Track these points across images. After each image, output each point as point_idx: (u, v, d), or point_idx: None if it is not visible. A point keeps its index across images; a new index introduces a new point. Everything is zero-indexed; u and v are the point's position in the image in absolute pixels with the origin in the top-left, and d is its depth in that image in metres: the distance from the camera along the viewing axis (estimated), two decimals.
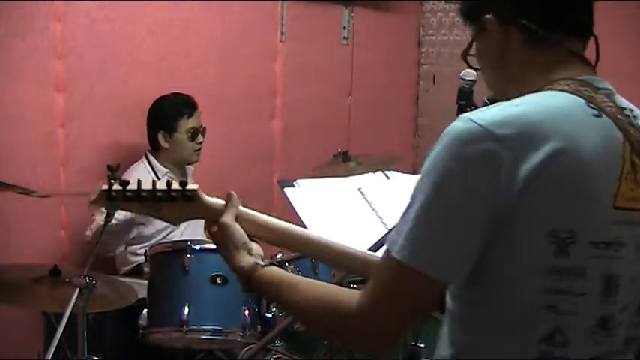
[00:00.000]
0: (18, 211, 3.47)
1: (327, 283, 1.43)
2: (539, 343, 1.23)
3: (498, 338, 1.25)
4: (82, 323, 2.55)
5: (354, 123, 4.68)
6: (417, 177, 1.23)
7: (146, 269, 3.00)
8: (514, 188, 1.17)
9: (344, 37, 4.61)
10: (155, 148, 3.63)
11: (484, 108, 1.26)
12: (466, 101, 2.38)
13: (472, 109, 2.35)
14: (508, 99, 1.28)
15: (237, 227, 1.48)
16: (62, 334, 2.47)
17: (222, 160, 4.14)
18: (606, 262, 1.23)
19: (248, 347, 2.78)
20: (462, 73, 2.38)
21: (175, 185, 1.46)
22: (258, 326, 2.82)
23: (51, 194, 3.26)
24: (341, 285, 1.63)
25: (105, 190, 1.45)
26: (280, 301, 1.51)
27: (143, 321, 2.76)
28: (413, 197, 1.23)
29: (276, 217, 1.54)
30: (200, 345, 2.90)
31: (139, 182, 1.46)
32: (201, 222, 1.88)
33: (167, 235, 3.49)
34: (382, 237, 1.98)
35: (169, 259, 2.81)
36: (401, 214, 1.25)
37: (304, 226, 2.40)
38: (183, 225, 2.50)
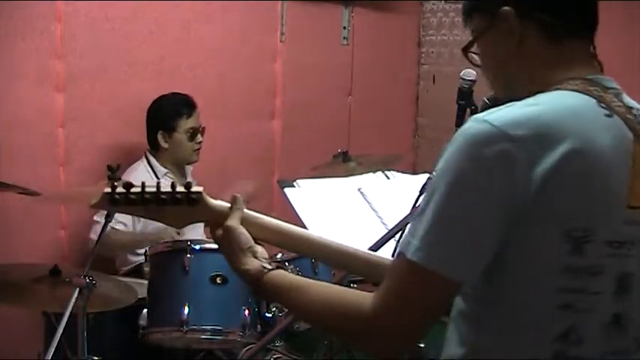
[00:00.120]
0: (18, 211, 3.47)
1: (337, 286, 1.42)
2: (553, 342, 1.23)
3: (512, 338, 1.25)
4: (82, 323, 2.55)
5: (354, 123, 4.68)
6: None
7: (146, 269, 3.01)
8: (529, 188, 1.17)
9: (344, 37, 4.61)
10: (154, 148, 3.64)
11: (496, 108, 1.24)
12: (466, 101, 2.38)
13: (472, 109, 2.36)
14: (512, 99, 1.27)
15: (242, 230, 1.46)
16: (62, 334, 2.47)
17: (223, 160, 4.14)
18: (620, 261, 1.24)
19: (248, 347, 2.78)
20: (462, 73, 2.38)
21: (180, 187, 1.43)
22: (258, 326, 2.82)
23: (54, 198, 3.27)
24: (341, 285, 1.63)
25: (107, 193, 1.41)
26: (290, 305, 1.48)
27: (143, 321, 2.76)
28: (427, 199, 1.22)
29: (276, 218, 1.53)
30: (200, 345, 2.89)
31: (143, 184, 1.42)
32: None
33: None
34: (382, 237, 1.98)
35: (169, 259, 2.81)
36: (415, 215, 1.24)
37: (304, 226, 2.40)
38: None
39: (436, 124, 4.83)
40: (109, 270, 3.31)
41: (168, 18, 3.90)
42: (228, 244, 1.46)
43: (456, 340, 1.31)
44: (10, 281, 2.62)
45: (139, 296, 2.77)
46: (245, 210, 1.49)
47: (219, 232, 1.47)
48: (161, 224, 1.52)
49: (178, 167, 3.70)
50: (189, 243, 2.78)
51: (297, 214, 2.49)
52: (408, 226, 1.25)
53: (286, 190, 2.58)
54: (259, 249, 1.46)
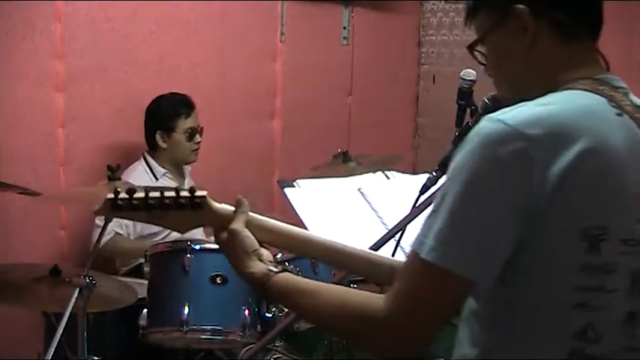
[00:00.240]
0: (18, 211, 3.47)
1: (345, 287, 1.40)
2: (571, 340, 1.23)
3: (528, 337, 1.24)
4: (82, 323, 2.55)
5: (354, 123, 4.68)
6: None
7: (146, 269, 3.00)
8: (545, 188, 1.17)
9: (344, 37, 4.61)
10: (153, 148, 3.64)
11: (509, 108, 1.24)
12: (466, 101, 2.38)
13: (472, 109, 2.36)
14: (520, 99, 1.27)
15: (247, 233, 1.44)
16: (62, 334, 2.47)
17: (223, 160, 4.14)
18: (634, 259, 1.25)
19: (248, 347, 2.78)
20: (462, 73, 2.38)
21: (184, 192, 1.40)
22: (258, 326, 2.82)
23: (54, 198, 3.27)
24: (340, 284, 1.62)
25: (110, 199, 1.38)
26: (298, 308, 1.45)
27: (143, 321, 2.76)
28: (441, 198, 1.22)
29: (276, 218, 1.53)
30: (200, 345, 2.89)
31: (146, 190, 1.40)
32: None
33: (167, 234, 3.49)
34: (382, 237, 1.98)
35: (169, 259, 2.81)
36: (427, 215, 1.24)
37: (304, 226, 2.40)
38: None
39: (436, 124, 4.83)
40: (109, 270, 3.31)
41: (168, 18, 3.90)
42: (233, 248, 1.44)
43: (469, 341, 1.30)
44: (10, 281, 2.62)
45: (139, 296, 2.77)
46: (250, 213, 1.47)
47: (224, 235, 1.45)
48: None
49: (177, 167, 3.70)
50: (189, 243, 2.78)
51: (297, 214, 2.49)
52: (420, 226, 1.25)
53: (286, 190, 2.58)
54: (264, 252, 1.45)
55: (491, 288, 1.23)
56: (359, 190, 2.61)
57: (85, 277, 2.51)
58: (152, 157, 3.63)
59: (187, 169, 3.75)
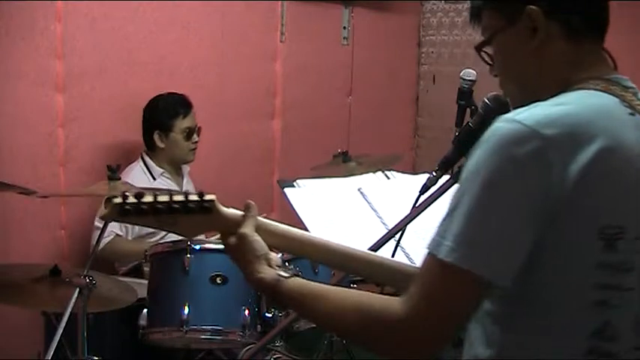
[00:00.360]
0: (18, 211, 3.47)
1: (358, 291, 1.37)
2: (589, 338, 1.24)
3: (547, 337, 1.25)
4: (82, 323, 2.55)
5: (354, 123, 4.68)
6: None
7: (146, 269, 3.00)
8: (563, 187, 1.18)
9: (344, 37, 4.61)
10: (151, 148, 3.64)
11: (523, 108, 1.24)
12: (466, 101, 2.38)
13: (472, 109, 2.36)
14: (528, 100, 1.28)
15: (257, 238, 1.42)
16: (62, 334, 2.47)
17: (222, 160, 4.14)
18: None
19: (248, 347, 2.78)
20: (462, 73, 2.38)
21: (192, 196, 1.37)
22: (258, 326, 2.82)
23: (51, 195, 3.27)
24: (340, 285, 1.62)
25: (118, 204, 1.34)
26: (310, 313, 1.43)
27: (143, 321, 2.76)
28: (458, 199, 1.22)
29: (276, 219, 1.52)
30: (200, 345, 2.89)
31: (155, 194, 1.36)
32: None
33: (165, 235, 3.49)
34: (382, 237, 1.97)
35: (169, 259, 2.81)
36: (442, 216, 1.23)
37: (304, 226, 2.40)
38: None
39: (436, 124, 4.83)
40: (109, 270, 3.31)
41: (168, 18, 3.90)
42: (243, 252, 1.42)
43: (482, 341, 1.30)
44: (10, 281, 2.62)
45: (139, 296, 2.78)
46: (259, 217, 1.45)
47: (233, 240, 1.43)
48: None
49: (175, 167, 3.70)
50: (189, 243, 2.78)
51: (297, 214, 2.49)
52: (436, 228, 1.24)
53: (286, 190, 2.58)
54: (273, 256, 1.44)
55: (506, 288, 1.23)
56: (359, 190, 2.60)
57: (85, 277, 2.51)
58: (150, 157, 3.64)
59: (186, 168, 3.75)
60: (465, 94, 2.35)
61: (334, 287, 1.39)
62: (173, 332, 2.73)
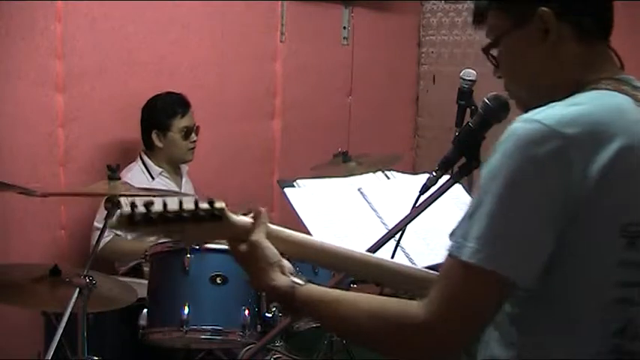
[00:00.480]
0: (18, 211, 3.47)
1: (374, 295, 1.36)
2: (611, 337, 1.24)
3: (567, 336, 1.25)
4: (82, 323, 2.55)
5: (354, 123, 4.68)
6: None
7: (146, 269, 3.00)
8: (584, 186, 1.18)
9: (344, 37, 4.61)
10: (149, 148, 3.64)
11: (540, 109, 1.24)
12: (466, 101, 2.38)
13: (472, 109, 2.36)
14: (538, 103, 1.27)
15: (269, 245, 1.40)
16: (62, 334, 2.47)
17: (222, 160, 4.14)
18: None
19: (248, 347, 2.78)
20: (462, 73, 2.39)
21: (203, 204, 1.33)
22: (258, 326, 2.82)
23: (51, 194, 3.26)
24: (340, 286, 1.62)
25: (127, 215, 1.30)
26: (327, 320, 1.41)
27: (143, 321, 2.76)
28: (478, 201, 1.21)
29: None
30: (200, 345, 2.89)
31: (164, 203, 1.31)
32: None
33: None
34: (382, 237, 1.97)
35: (169, 259, 2.81)
36: (462, 217, 1.23)
37: (304, 226, 2.40)
38: None
39: (436, 124, 4.83)
40: (109, 270, 3.31)
41: (168, 18, 3.90)
42: (255, 260, 1.40)
43: (500, 342, 1.30)
44: (10, 281, 2.62)
45: (139, 296, 2.77)
46: (269, 224, 1.43)
47: (243, 247, 1.40)
48: None
49: (173, 166, 3.70)
50: None
51: (297, 214, 2.49)
52: (455, 231, 1.24)
53: (286, 190, 2.58)
54: (286, 264, 1.42)
55: (525, 288, 1.23)
56: (359, 190, 2.60)
57: (85, 277, 2.51)
58: (149, 157, 3.64)
59: (184, 168, 3.75)
60: (465, 94, 2.35)
61: (351, 293, 1.37)
62: (173, 332, 2.73)
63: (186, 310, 2.68)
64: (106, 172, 2.71)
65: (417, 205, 1.93)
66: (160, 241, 3.12)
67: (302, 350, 3.12)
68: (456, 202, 2.48)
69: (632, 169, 1.22)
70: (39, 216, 3.54)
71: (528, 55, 1.35)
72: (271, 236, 1.42)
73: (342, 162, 3.72)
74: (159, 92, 3.65)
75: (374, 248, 1.90)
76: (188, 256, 2.74)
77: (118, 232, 3.40)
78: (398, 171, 2.88)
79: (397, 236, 2.02)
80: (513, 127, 1.22)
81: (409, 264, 2.32)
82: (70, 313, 2.46)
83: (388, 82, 4.85)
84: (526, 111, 1.29)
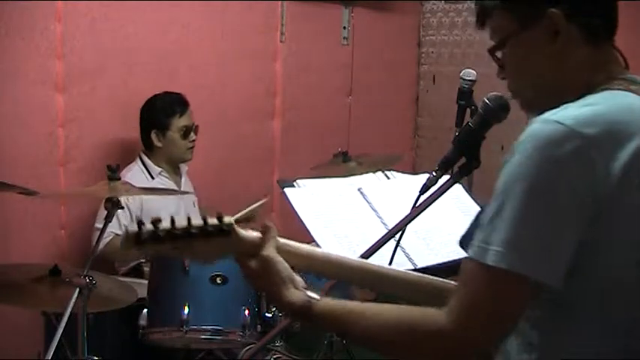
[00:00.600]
0: (18, 211, 3.47)
1: (394, 305, 1.34)
2: (634, 337, 1.23)
3: (591, 336, 1.24)
4: (82, 323, 2.55)
5: (354, 123, 4.68)
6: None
7: (146, 269, 3.00)
8: (606, 185, 1.18)
9: (344, 37, 4.61)
10: (148, 148, 3.64)
11: (555, 110, 1.24)
12: (466, 101, 2.38)
13: (472, 109, 2.36)
14: (545, 104, 1.27)
15: (280, 259, 1.37)
16: (62, 334, 2.47)
17: (223, 160, 4.14)
18: None
19: (248, 347, 2.78)
20: (462, 73, 2.38)
21: (211, 219, 1.32)
22: (258, 326, 2.82)
23: (51, 195, 3.27)
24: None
25: (135, 234, 1.28)
26: (346, 333, 1.40)
27: (143, 321, 2.76)
28: (499, 204, 1.20)
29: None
30: (200, 345, 2.90)
31: (172, 220, 1.30)
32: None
33: None
34: (382, 237, 1.97)
35: (169, 259, 2.81)
36: (483, 221, 1.22)
37: (304, 226, 2.40)
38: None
39: (436, 124, 4.83)
40: (109, 270, 3.31)
41: (168, 18, 3.90)
42: (268, 276, 1.37)
43: (520, 346, 1.29)
44: (10, 281, 2.62)
45: (139, 296, 2.77)
46: (278, 238, 1.41)
47: (254, 263, 1.37)
48: None
49: (173, 166, 3.70)
50: None
51: (297, 214, 2.49)
52: (475, 235, 1.23)
53: (286, 190, 2.57)
54: (298, 278, 1.40)
55: (546, 291, 1.22)
56: (359, 190, 2.60)
57: (85, 277, 2.51)
58: (148, 157, 3.64)
59: (184, 167, 3.75)
60: (465, 94, 2.35)
61: (369, 304, 1.36)
62: (173, 332, 2.73)
63: (186, 310, 2.69)
64: (106, 172, 2.71)
65: (417, 205, 1.93)
66: None
67: (302, 350, 3.12)
68: (456, 202, 2.48)
69: None
70: (39, 216, 3.54)
71: (536, 56, 1.35)
72: (281, 250, 1.39)
73: (342, 162, 3.71)
74: (159, 92, 3.66)
75: (374, 248, 1.90)
76: None
77: (119, 232, 3.40)
78: (398, 171, 2.87)
79: (397, 236, 2.02)
80: (532, 128, 1.22)
81: (409, 264, 2.32)
82: (70, 313, 2.46)
83: (388, 82, 4.85)
84: (531, 112, 1.29)
